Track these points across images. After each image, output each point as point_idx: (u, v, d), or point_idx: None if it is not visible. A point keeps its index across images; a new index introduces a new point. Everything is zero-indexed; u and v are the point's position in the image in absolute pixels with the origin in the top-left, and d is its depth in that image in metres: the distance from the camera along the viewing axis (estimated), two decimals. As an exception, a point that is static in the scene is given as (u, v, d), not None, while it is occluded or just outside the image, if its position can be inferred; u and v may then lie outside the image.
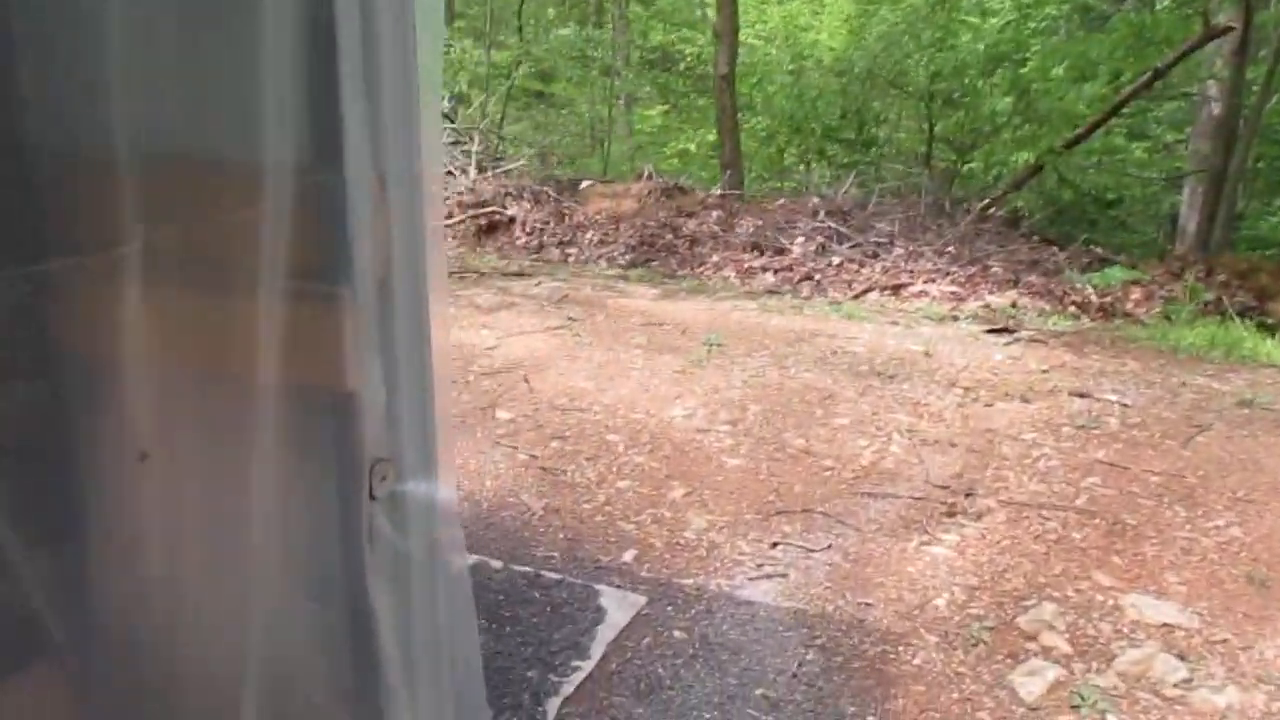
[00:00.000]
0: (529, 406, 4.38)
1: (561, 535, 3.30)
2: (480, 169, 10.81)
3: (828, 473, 3.81)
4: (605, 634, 2.76)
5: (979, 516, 3.47)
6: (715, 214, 9.00)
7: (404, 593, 1.65)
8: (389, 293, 1.57)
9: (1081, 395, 4.64)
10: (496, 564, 3.11)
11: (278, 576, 1.61)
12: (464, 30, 22.35)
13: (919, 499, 3.60)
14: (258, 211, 1.41)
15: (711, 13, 12.66)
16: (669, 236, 8.56)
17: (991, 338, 5.77)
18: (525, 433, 4.11)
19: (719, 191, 9.79)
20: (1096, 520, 3.39)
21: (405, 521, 1.65)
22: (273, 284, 1.44)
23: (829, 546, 3.25)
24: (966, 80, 10.96)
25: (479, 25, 22.22)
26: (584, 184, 9.99)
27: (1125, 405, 4.48)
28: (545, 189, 9.65)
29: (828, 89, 12.96)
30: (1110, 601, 2.92)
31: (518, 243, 8.84)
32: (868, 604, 2.93)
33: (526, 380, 4.63)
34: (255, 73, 1.38)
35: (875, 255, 7.71)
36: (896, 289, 7.07)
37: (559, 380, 4.71)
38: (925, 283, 7.11)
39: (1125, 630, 2.78)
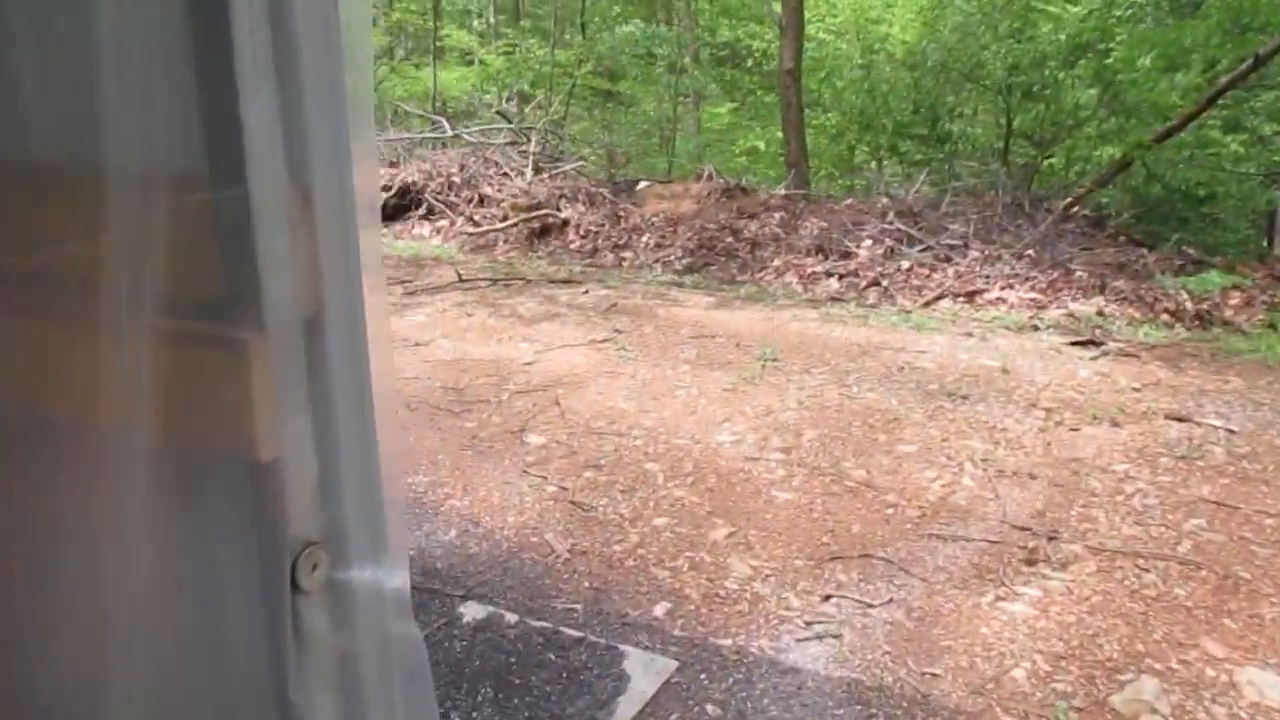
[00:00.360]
0: (563, 430, 4.05)
1: (587, 583, 2.95)
2: (537, 170, 10.53)
3: (890, 510, 3.40)
4: (627, 708, 2.40)
5: (1064, 565, 3.03)
6: (778, 215, 8.59)
7: (353, 703, 1.30)
8: (319, 335, 1.23)
9: (1180, 419, 4.15)
10: (511, 618, 2.77)
11: (168, 695, 1.28)
12: (528, 30, 22.24)
13: (994, 542, 3.18)
14: (112, 235, 1.07)
15: (779, 7, 12.28)
16: (728, 239, 8.17)
17: (1076, 351, 5.27)
18: (557, 460, 3.77)
19: (783, 191, 9.37)
20: (1203, 573, 2.94)
21: (349, 617, 1.30)
22: (141, 328, 1.11)
23: (890, 600, 2.85)
24: (1047, 72, 10.34)
25: (544, 25, 22.08)
26: (641, 184, 9.64)
27: (1231, 431, 3.99)
28: (601, 190, 9.33)
29: (899, 83, 12.45)
30: (1223, 677, 2.48)
31: (571, 246, 8.52)
32: (933, 674, 2.53)
33: (558, 404, 4.29)
34: (100, 56, 1.04)
35: (948, 259, 7.23)
36: (971, 296, 6.58)
37: (598, 400, 4.36)
38: (1002, 289, 6.62)
39: (1243, 715, 2.34)
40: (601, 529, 3.27)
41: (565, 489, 3.53)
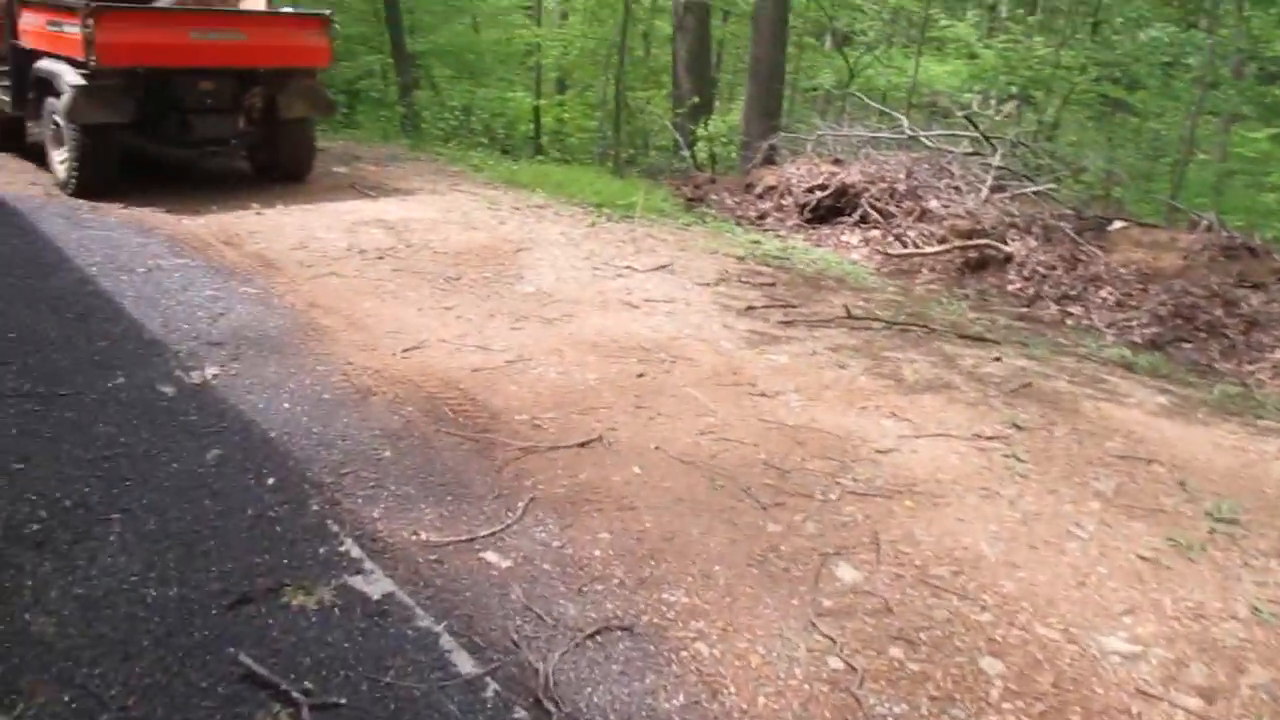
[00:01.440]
0: (889, 568, 3.03)
1: None
2: (998, 189, 9.14)
3: None
4: None
5: None
6: (1296, 289, 6.59)
7: None
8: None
9: None
10: None
11: None
12: (1035, 25, 20.17)
13: None
14: None
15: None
16: (1216, 312, 6.38)
17: None
18: (861, 616, 2.78)
19: (1311, 257, 7.23)
20: None
21: None
22: None
23: None
24: None
25: (1054, 21, 19.87)
26: (1115, 224, 7.95)
27: None
28: (1062, 224, 7.80)
29: None
30: None
31: (1008, 288, 7.17)
32: None
33: (890, 525, 3.23)
34: None
35: None
36: None
37: (952, 530, 3.26)
38: None
39: None
40: (878, 759, 2.27)
41: (853, 670, 2.55)
